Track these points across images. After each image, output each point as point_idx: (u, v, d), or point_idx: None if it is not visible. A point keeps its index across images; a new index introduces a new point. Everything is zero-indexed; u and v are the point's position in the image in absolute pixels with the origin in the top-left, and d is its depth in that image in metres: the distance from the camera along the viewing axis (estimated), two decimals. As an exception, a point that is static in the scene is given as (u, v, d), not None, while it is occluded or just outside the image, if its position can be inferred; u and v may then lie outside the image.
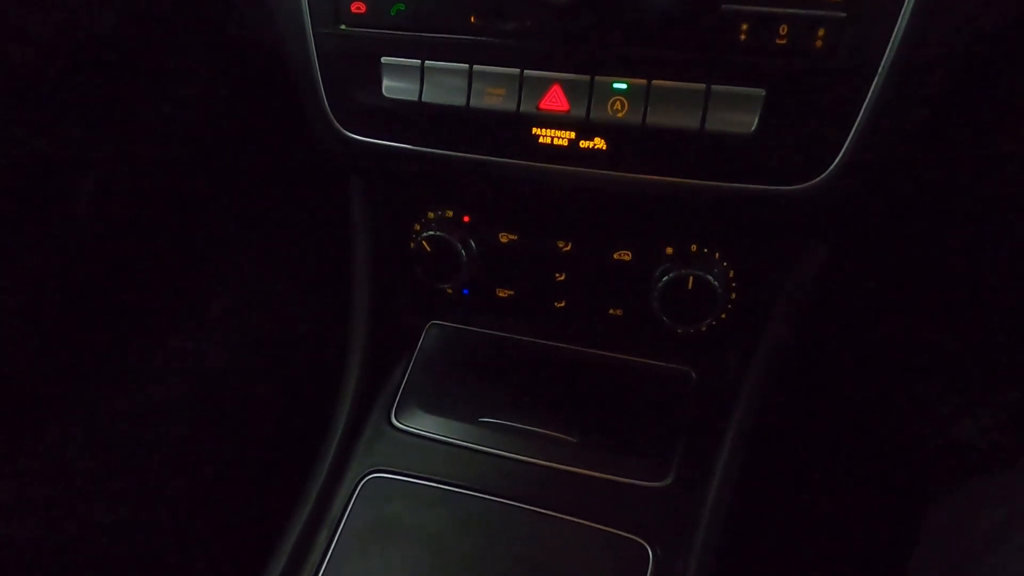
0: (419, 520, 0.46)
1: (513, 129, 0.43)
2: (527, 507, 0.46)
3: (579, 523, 0.44)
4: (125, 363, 0.69)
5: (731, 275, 0.49)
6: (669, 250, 0.49)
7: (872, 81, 0.37)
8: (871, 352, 0.69)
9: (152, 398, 0.66)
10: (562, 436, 0.50)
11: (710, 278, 0.47)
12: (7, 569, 0.53)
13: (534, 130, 0.43)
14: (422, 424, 0.52)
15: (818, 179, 0.40)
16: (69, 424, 0.61)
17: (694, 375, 0.54)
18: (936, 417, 0.68)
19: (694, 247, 0.49)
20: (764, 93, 0.38)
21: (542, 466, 0.49)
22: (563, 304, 0.54)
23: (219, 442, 0.64)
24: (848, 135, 0.39)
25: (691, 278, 0.47)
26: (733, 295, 0.49)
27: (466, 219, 0.53)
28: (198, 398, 0.64)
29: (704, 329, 0.50)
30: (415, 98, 0.44)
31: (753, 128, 0.39)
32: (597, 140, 0.42)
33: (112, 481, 0.63)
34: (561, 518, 0.45)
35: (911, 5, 0.36)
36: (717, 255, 0.49)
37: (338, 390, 0.54)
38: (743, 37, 0.38)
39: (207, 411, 0.64)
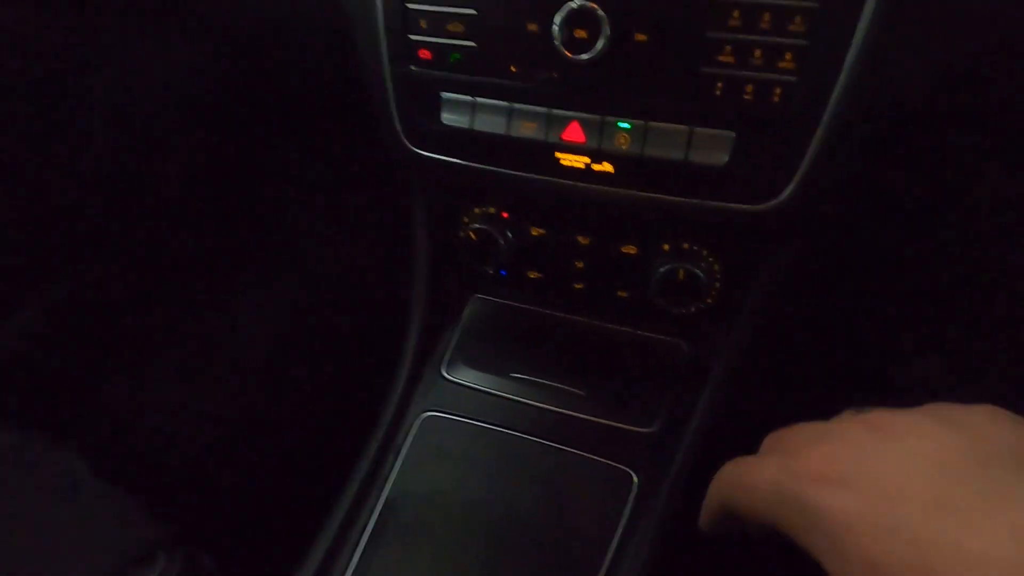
0: (463, 449, 0.60)
1: (542, 153, 0.55)
2: (543, 441, 0.59)
3: (581, 455, 0.58)
4: (218, 311, 0.84)
5: (716, 268, 0.60)
6: (666, 247, 0.61)
7: (817, 127, 0.48)
8: (845, 326, 0.79)
9: (242, 341, 0.80)
10: (573, 390, 0.63)
11: (697, 271, 0.59)
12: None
13: (557, 155, 0.55)
14: (466, 377, 0.66)
15: (776, 200, 0.51)
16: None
17: (685, 346, 0.66)
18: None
19: (686, 245, 0.60)
20: (734, 135, 0.50)
21: (556, 412, 0.62)
22: (581, 286, 0.66)
23: (301, 388, 0.79)
24: (799, 167, 0.50)
25: (682, 270, 0.59)
26: (718, 284, 0.61)
27: (505, 215, 0.65)
28: (285, 350, 0.79)
29: (693, 311, 0.62)
30: (467, 126, 0.57)
31: (725, 161, 0.51)
32: (606, 164, 0.54)
33: (205, 400, 0.78)
34: (568, 451, 0.58)
35: (847, 74, 0.46)
36: (704, 252, 0.60)
37: (400, 349, 0.68)
38: (719, 92, 0.49)
39: (292, 365, 0.79)
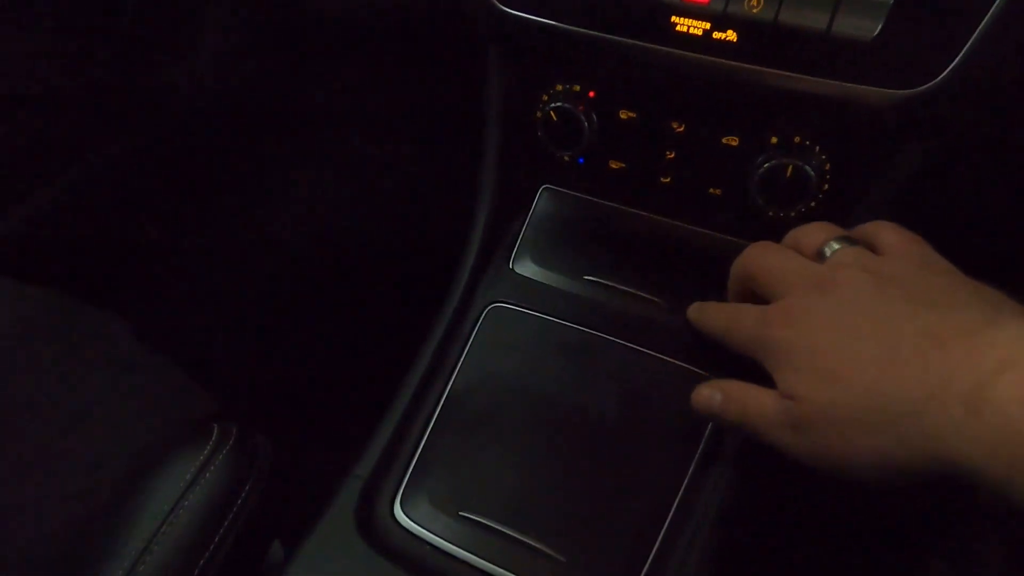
0: (532, 343, 0.56)
1: (654, 16, 0.48)
2: (619, 341, 0.55)
3: (662, 358, 0.53)
4: (269, 197, 0.80)
5: (827, 167, 0.54)
6: (774, 140, 0.54)
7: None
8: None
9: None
10: (652, 298, 0.58)
11: (808, 168, 0.53)
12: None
13: (673, 18, 0.48)
14: (534, 272, 0.61)
15: (926, 86, 0.44)
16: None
17: None
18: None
19: (797, 138, 0.54)
20: (892, 1, 0.43)
21: (634, 316, 0.57)
22: (668, 180, 0.60)
23: (361, 275, 0.75)
24: (963, 48, 0.43)
25: (791, 167, 0.53)
26: (826, 186, 0.55)
27: (591, 94, 0.59)
28: (346, 234, 0.75)
29: (793, 215, 0.56)
30: (569, -20, 0.49)
31: (876, 32, 0.44)
32: (730, 32, 0.47)
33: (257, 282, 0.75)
34: (647, 352, 0.54)
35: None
36: (817, 148, 0.54)
37: (466, 238, 0.63)
38: (882, -54, 0.41)
39: (353, 252, 0.74)
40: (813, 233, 0.47)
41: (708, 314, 0.49)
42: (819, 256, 0.45)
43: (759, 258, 0.47)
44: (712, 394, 0.45)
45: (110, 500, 0.47)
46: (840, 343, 0.38)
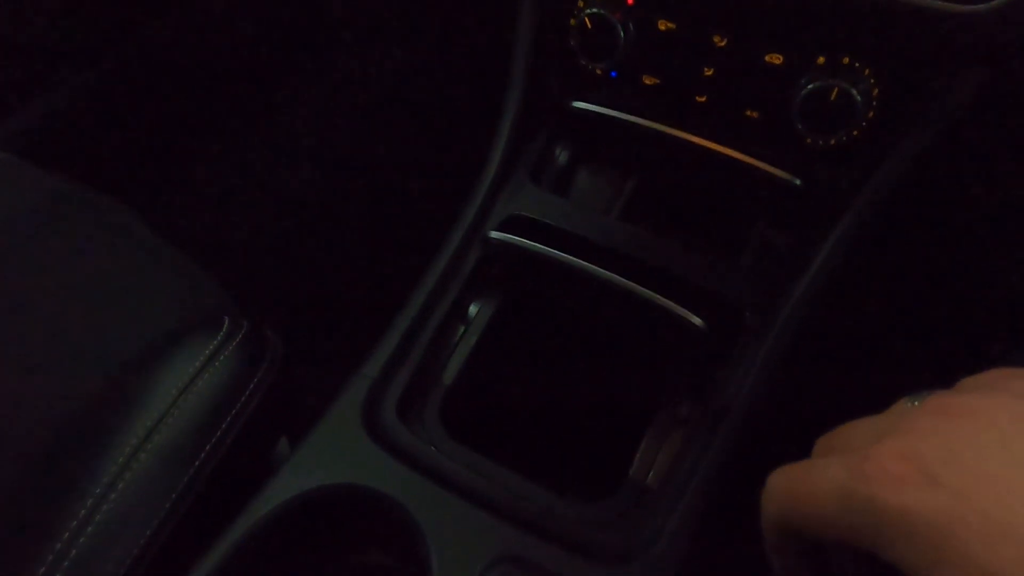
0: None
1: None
2: (640, 259, 0.54)
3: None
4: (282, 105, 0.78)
5: (875, 93, 0.51)
6: (821, 60, 0.51)
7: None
8: (984, 207, 0.71)
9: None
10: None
11: (855, 92, 0.50)
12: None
13: (727, -87, 0.44)
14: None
15: (996, 2, 0.41)
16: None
17: (798, 183, 0.57)
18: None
19: (846, 59, 0.50)
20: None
21: (654, 237, 0.56)
22: (704, 99, 0.57)
23: (384, 179, 0.74)
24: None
25: (836, 89, 0.50)
26: (871, 113, 0.52)
27: (630, 2, 0.55)
28: (368, 142, 0.74)
29: (833, 142, 0.53)
30: None
31: (947, -61, 0.40)
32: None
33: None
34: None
35: None
36: (867, 71, 0.50)
37: (489, 150, 0.61)
38: None
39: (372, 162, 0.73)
40: (860, 426, 0.25)
41: (763, 506, 0.26)
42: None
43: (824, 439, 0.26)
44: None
45: (116, 385, 0.47)
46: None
